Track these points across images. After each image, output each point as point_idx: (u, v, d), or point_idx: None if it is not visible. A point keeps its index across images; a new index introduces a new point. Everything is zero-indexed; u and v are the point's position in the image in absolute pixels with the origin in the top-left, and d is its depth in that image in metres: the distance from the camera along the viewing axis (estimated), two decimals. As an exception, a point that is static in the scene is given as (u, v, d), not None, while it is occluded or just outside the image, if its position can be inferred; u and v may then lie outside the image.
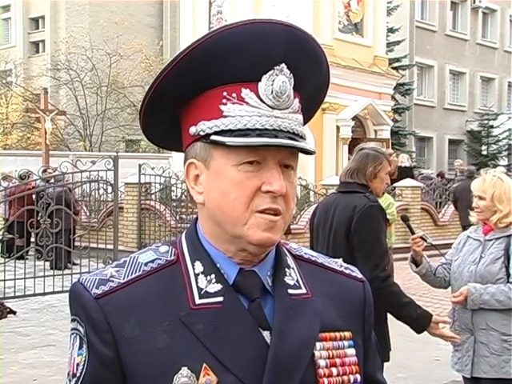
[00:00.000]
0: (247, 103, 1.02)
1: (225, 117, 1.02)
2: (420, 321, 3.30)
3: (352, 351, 1.11)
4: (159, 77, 1.06)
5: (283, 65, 1.03)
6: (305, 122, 1.14)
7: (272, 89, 1.02)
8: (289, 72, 1.04)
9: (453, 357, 3.63)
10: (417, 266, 3.72)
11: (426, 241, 3.60)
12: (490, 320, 3.41)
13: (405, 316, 3.32)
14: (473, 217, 3.64)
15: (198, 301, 1.02)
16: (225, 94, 1.03)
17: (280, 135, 1.01)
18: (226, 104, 1.03)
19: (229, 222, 1.03)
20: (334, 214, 3.55)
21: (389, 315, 3.48)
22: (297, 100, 1.07)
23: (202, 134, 1.04)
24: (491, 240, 3.51)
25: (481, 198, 3.52)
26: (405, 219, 3.81)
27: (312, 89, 1.11)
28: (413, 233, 3.65)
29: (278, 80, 1.02)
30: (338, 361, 1.08)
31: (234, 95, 1.02)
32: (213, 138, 1.03)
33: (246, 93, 1.02)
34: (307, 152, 1.05)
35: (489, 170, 3.71)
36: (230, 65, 1.02)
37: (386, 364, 3.40)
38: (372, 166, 3.52)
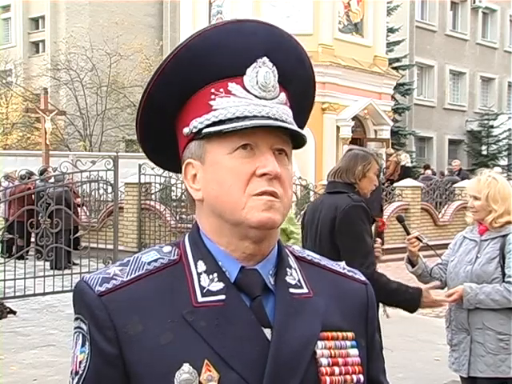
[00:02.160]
0: (235, 95, 1.05)
1: (214, 110, 1.05)
2: (414, 300, 3.38)
3: (355, 351, 1.11)
4: (148, 87, 1.09)
5: (265, 58, 1.07)
6: (300, 126, 1.14)
7: (257, 79, 1.06)
8: (271, 64, 1.07)
9: (450, 357, 3.64)
10: (413, 266, 3.73)
11: (421, 241, 3.62)
12: (486, 319, 3.42)
13: (400, 301, 3.40)
14: (468, 217, 3.66)
15: (200, 299, 1.03)
16: (212, 90, 1.06)
17: (270, 120, 1.04)
18: (214, 99, 1.06)
19: (227, 210, 1.04)
20: (320, 214, 3.61)
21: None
22: (283, 94, 1.09)
23: (194, 130, 1.07)
24: (487, 240, 3.52)
25: (476, 198, 3.53)
26: (400, 220, 3.83)
27: (298, 84, 1.14)
28: (408, 233, 3.67)
29: (262, 71, 1.06)
30: (340, 360, 1.08)
31: (221, 90, 1.06)
32: (205, 130, 1.05)
33: (232, 86, 1.06)
34: (300, 142, 1.07)
35: (484, 170, 3.73)
36: (214, 62, 1.06)
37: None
38: (361, 165, 3.57)
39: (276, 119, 1.05)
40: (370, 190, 3.71)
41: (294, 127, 1.06)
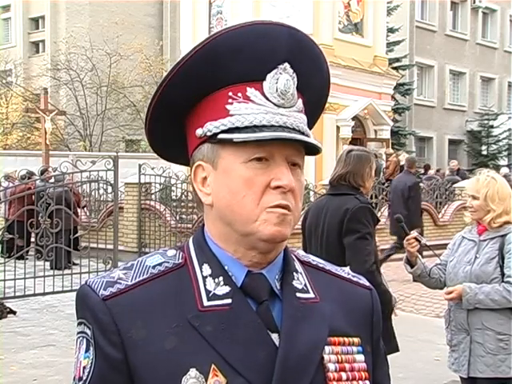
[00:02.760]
0: (253, 101, 1.03)
1: (231, 115, 1.03)
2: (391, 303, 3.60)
3: (361, 357, 1.10)
4: (164, 81, 1.06)
5: (286, 64, 1.04)
6: (310, 127, 1.14)
7: (277, 87, 1.03)
8: (292, 71, 1.05)
9: (449, 357, 3.63)
10: (411, 266, 3.73)
11: (420, 241, 3.62)
12: (486, 319, 3.42)
13: (387, 302, 3.53)
14: (467, 217, 3.66)
15: (206, 303, 1.02)
16: (230, 94, 1.03)
17: (286, 131, 1.02)
18: (231, 103, 1.03)
19: (239, 221, 1.03)
20: (326, 216, 3.62)
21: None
22: (301, 100, 1.08)
23: (208, 134, 1.04)
24: (486, 240, 3.52)
25: (474, 197, 3.53)
26: (399, 220, 3.83)
27: (314, 92, 1.12)
28: (407, 234, 3.66)
29: (282, 78, 1.03)
30: (347, 366, 1.07)
31: (239, 95, 1.03)
32: (220, 136, 1.03)
33: (251, 91, 1.03)
34: (313, 150, 1.06)
35: (483, 170, 3.73)
36: (234, 65, 1.03)
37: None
38: (368, 167, 3.63)
39: (293, 129, 1.03)
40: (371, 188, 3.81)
41: (312, 140, 1.04)
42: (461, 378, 3.61)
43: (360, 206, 3.49)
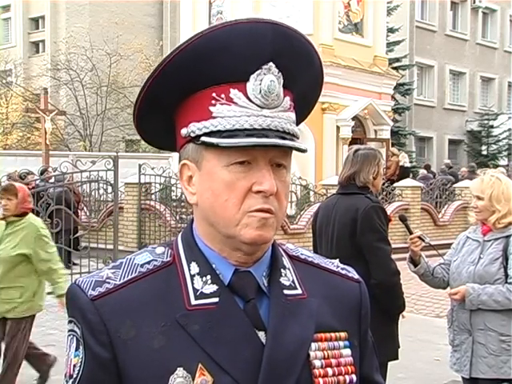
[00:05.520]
0: (236, 103, 1.02)
1: (214, 118, 1.03)
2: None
3: (348, 351, 1.11)
4: (149, 79, 1.07)
5: (271, 64, 1.03)
6: (302, 120, 1.14)
7: (260, 88, 1.02)
8: (277, 71, 1.04)
9: (451, 357, 3.63)
10: (415, 265, 3.72)
11: (424, 240, 3.62)
12: (488, 320, 3.41)
13: (401, 304, 3.61)
14: (471, 217, 3.66)
15: (193, 302, 1.03)
16: (214, 94, 1.03)
17: (270, 135, 1.02)
18: (214, 105, 1.03)
19: (221, 223, 1.04)
20: (336, 216, 3.61)
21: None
22: (287, 98, 1.07)
23: (192, 135, 1.05)
24: (490, 240, 3.51)
25: (479, 198, 3.52)
26: (403, 219, 3.83)
27: (304, 86, 1.11)
28: (411, 233, 3.66)
29: (266, 79, 1.03)
30: (333, 361, 1.09)
31: (222, 96, 1.03)
32: (203, 139, 1.03)
33: (234, 93, 1.03)
34: (299, 150, 1.05)
35: (487, 170, 3.72)
36: (217, 65, 1.02)
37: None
38: (376, 166, 3.62)
39: (277, 131, 1.02)
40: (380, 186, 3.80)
41: (293, 143, 1.03)
42: (462, 378, 3.61)
43: (372, 205, 3.49)
